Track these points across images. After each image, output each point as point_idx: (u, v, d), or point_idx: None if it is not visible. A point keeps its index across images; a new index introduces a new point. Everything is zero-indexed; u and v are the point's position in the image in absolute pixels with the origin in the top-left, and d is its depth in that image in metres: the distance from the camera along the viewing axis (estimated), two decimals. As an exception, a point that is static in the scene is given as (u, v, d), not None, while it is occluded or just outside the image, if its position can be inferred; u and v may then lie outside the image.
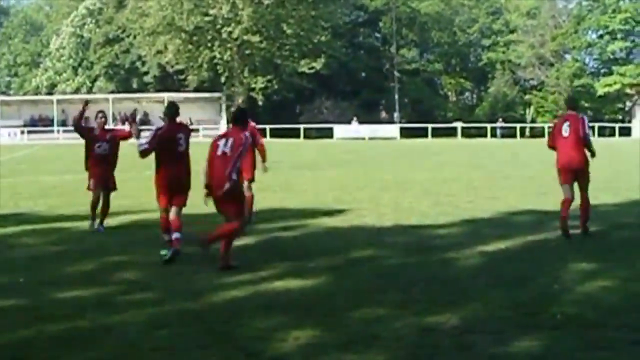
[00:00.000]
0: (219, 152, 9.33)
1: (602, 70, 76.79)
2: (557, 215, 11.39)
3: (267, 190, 16.85)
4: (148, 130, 11.24)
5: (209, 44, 67.04)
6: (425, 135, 66.21)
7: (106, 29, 76.25)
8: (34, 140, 62.58)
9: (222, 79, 68.87)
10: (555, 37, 77.47)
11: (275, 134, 59.40)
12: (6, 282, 8.67)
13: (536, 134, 71.46)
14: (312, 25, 68.18)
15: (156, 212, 10.50)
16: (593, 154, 11.63)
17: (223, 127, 56.21)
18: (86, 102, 12.71)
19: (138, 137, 10.59)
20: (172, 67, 68.66)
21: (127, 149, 12.68)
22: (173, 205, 10.20)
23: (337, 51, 70.86)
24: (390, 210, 14.62)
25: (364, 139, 64.22)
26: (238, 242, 9.53)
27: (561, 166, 11.56)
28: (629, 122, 74.81)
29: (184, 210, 10.24)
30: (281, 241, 10.09)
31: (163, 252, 10.04)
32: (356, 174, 24.28)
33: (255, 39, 65.19)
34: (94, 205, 12.48)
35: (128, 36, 71.93)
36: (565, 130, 11.46)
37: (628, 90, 74.94)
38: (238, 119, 9.99)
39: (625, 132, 69.50)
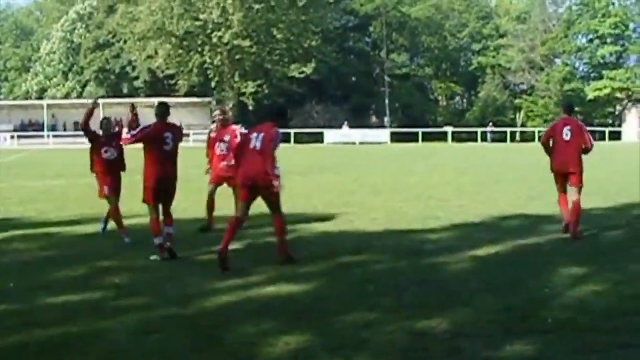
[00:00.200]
0: (252, 146, 9.58)
1: (593, 75, 77.28)
2: (548, 220, 11.42)
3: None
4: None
5: (200, 49, 67.01)
6: (416, 140, 66.38)
7: (97, 34, 76.24)
8: (24, 145, 62.33)
9: (213, 84, 68.83)
10: (545, 42, 77.88)
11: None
12: (-4, 288, 8.63)
13: (526, 138, 71.80)
14: (303, 30, 68.23)
15: (147, 217, 10.47)
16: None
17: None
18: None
19: (133, 128, 10.48)
20: (163, 72, 68.61)
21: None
22: (161, 205, 10.29)
23: (327, 56, 70.89)
24: (381, 215, 14.61)
25: (354, 143, 64.35)
26: (229, 247, 9.50)
27: (557, 169, 11.83)
28: (619, 126, 75.23)
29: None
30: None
31: (153, 257, 10.06)
32: (347, 179, 24.25)
33: (246, 43, 65.17)
34: (116, 212, 11.82)
35: (119, 41, 71.71)
36: (567, 134, 11.64)
37: (618, 95, 75.50)
38: (275, 115, 10.28)
39: (616, 136, 69.85)
